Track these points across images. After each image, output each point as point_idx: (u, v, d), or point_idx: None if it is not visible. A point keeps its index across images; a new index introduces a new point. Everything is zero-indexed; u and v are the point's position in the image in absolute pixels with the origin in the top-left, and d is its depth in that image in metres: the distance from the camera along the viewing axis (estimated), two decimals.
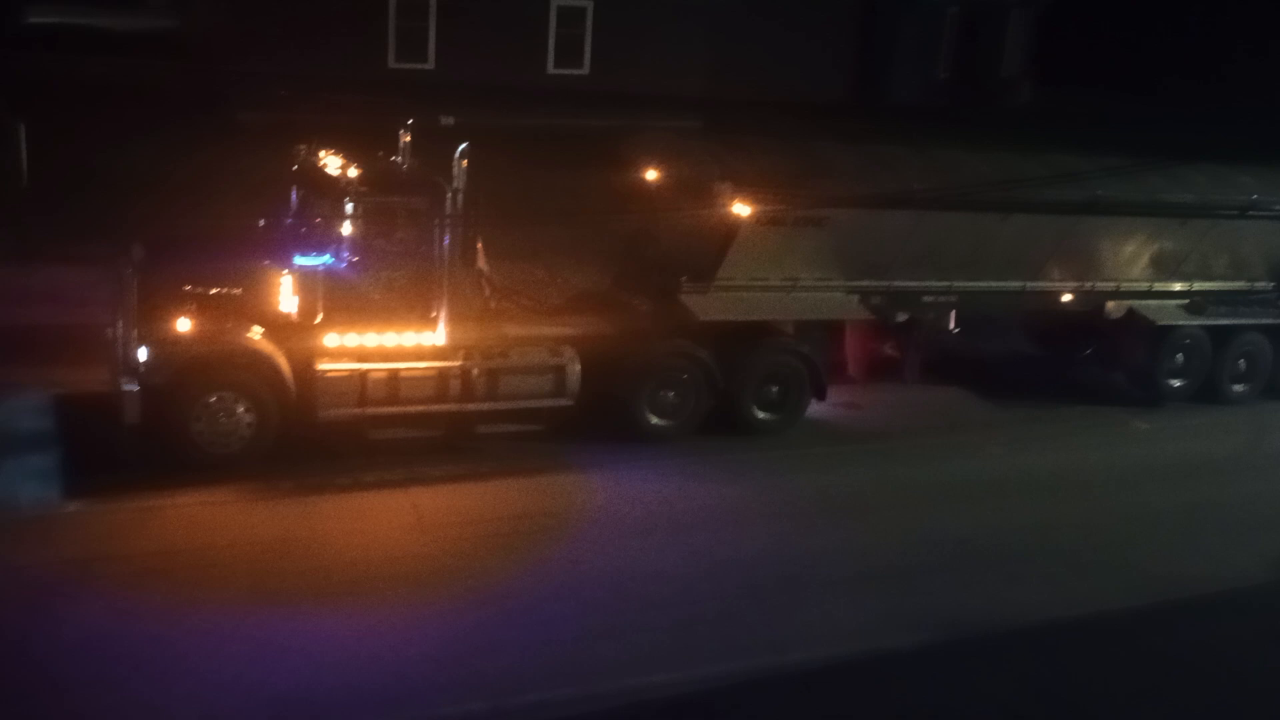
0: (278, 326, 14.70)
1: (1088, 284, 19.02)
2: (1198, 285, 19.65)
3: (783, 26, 34.48)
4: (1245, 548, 14.59)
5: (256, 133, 23.33)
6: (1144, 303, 19.34)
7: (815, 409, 17.47)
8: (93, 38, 32.03)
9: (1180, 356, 19.76)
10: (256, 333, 14.61)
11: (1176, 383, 19.86)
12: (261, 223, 15.57)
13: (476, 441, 15.51)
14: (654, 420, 16.40)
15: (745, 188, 16.02)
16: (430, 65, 31.38)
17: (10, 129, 21.29)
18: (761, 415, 16.97)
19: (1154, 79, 42.32)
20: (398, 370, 14.93)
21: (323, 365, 14.69)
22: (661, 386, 16.37)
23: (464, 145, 15.08)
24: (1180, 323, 19.51)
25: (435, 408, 15.20)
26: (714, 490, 15.12)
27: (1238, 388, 20.15)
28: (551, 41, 32.34)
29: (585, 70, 32.55)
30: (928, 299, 18.07)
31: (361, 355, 14.87)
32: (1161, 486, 16.41)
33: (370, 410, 14.89)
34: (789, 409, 17.12)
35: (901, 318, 18.13)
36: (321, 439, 14.94)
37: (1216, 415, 19.63)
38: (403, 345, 15.05)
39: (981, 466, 16.84)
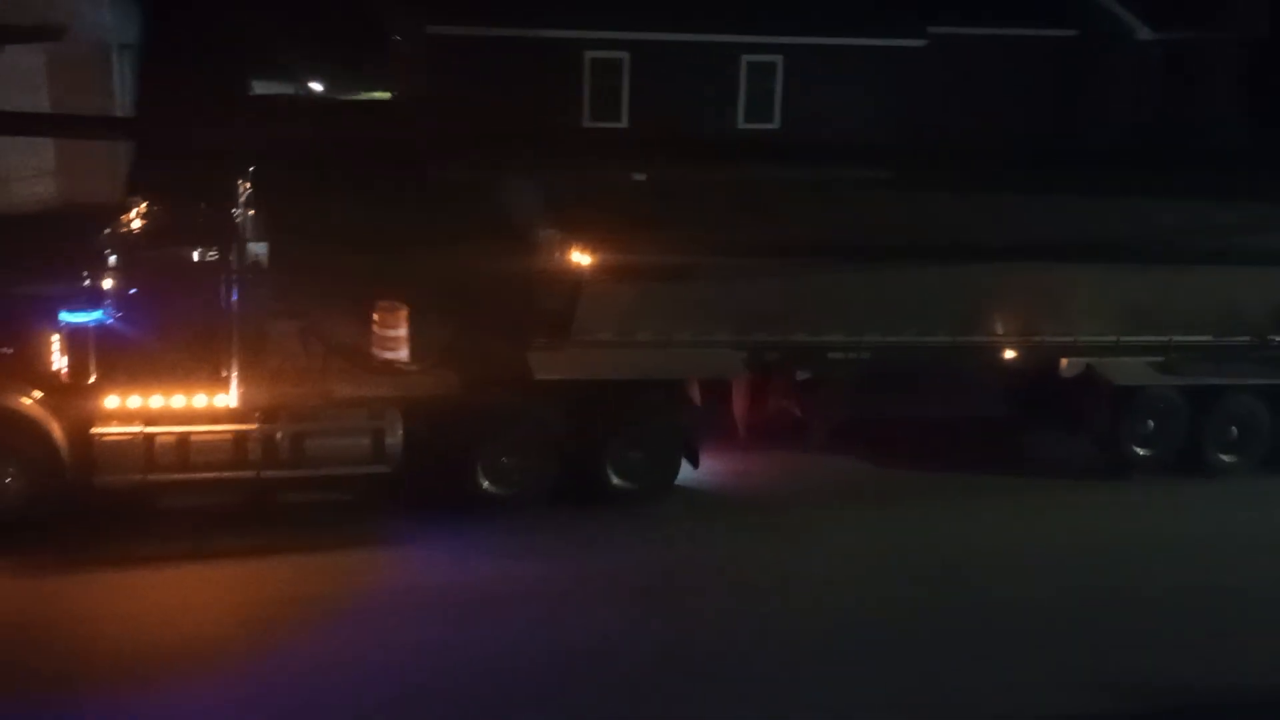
0: (54, 388, 13.81)
1: (1035, 338, 16.57)
2: (1176, 338, 16.87)
3: (977, 71, 32.71)
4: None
5: (453, 190, 22.99)
6: (1105, 359, 16.71)
7: (699, 476, 15.77)
8: (306, 105, 32.57)
9: (1151, 422, 17.08)
10: (30, 394, 13.74)
11: (1145, 451, 17.16)
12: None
13: (281, 511, 14.38)
14: (490, 488, 14.95)
15: (580, 236, 14.52)
16: (623, 123, 31.58)
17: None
18: (619, 483, 15.30)
19: None
20: (184, 434, 13.85)
21: (98, 429, 13.69)
22: (499, 451, 14.91)
23: (246, 187, 13.88)
24: (1148, 383, 16.85)
25: (232, 474, 14.04)
26: (514, 570, 13.61)
27: (1227, 458, 17.32)
28: (742, 96, 32.12)
29: (775, 124, 32.21)
30: (834, 355, 16.03)
31: (147, 417, 13.84)
32: (1090, 567, 14.30)
33: (155, 477, 13.86)
34: (654, 477, 15.42)
35: (803, 376, 16.13)
36: (110, 507, 13.99)
37: (1193, 488, 16.94)
38: (193, 407, 13.96)
39: (868, 544, 14.80)
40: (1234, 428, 17.24)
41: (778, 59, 32.01)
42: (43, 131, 25.10)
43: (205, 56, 27.64)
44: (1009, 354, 16.56)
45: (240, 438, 13.95)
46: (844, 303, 15.71)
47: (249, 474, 14.06)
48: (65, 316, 13.79)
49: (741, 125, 32.11)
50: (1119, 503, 16.41)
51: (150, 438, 13.74)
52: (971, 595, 13.51)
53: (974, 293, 16.19)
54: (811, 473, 16.60)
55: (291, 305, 14.68)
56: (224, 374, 13.96)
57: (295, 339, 14.90)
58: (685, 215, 15.41)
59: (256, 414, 14.07)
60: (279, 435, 14.05)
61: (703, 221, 15.32)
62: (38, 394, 13.76)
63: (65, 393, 13.77)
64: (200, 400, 13.96)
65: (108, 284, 13.84)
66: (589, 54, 31.30)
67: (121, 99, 28.12)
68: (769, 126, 32.12)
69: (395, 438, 14.35)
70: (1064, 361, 16.71)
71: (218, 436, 13.91)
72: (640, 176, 23.29)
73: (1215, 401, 17.06)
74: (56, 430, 13.69)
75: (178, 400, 13.92)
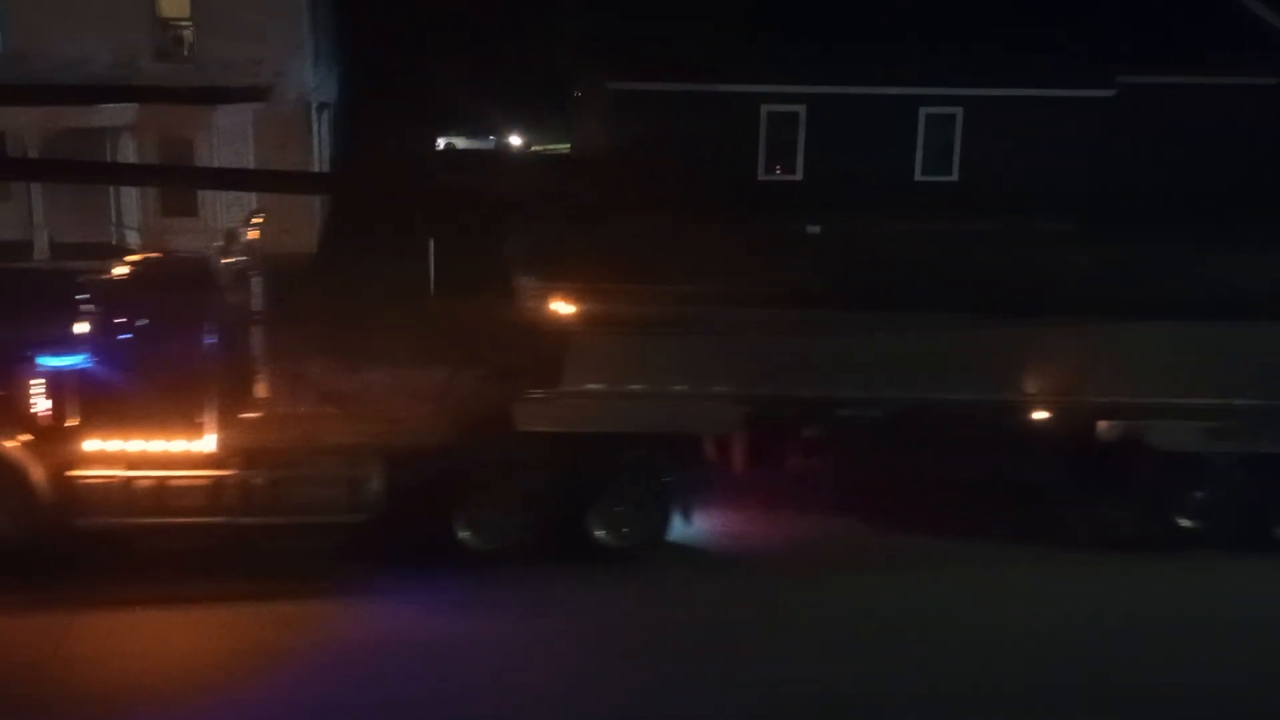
0: (36, 429, 14.31)
1: (1070, 398, 15.40)
2: (1236, 400, 15.36)
3: (1171, 119, 31.53)
4: None
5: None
6: (1150, 422, 15.43)
7: (693, 534, 15.51)
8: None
9: (1202, 492, 15.71)
10: (10, 436, 14.23)
11: (1195, 524, 15.80)
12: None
13: (258, 558, 14.55)
14: (470, 540, 14.94)
15: (566, 285, 14.55)
16: (798, 176, 31.69)
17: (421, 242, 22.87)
18: (605, 539, 15.10)
19: None
20: (162, 478, 14.20)
21: (76, 471, 14.17)
22: (479, 503, 14.91)
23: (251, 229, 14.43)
24: (1200, 449, 15.50)
25: (208, 519, 14.35)
26: (480, 626, 13.48)
27: None
28: (920, 148, 31.76)
29: (954, 176, 31.68)
30: (844, 412, 15.38)
31: (127, 461, 14.26)
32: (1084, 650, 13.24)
33: (133, 520, 14.26)
34: (641, 533, 15.16)
35: (811, 433, 15.51)
36: (89, 549, 14.35)
37: (1249, 565, 15.38)
38: (171, 452, 14.29)
39: (847, 616, 14.03)
40: None
41: (957, 110, 31.41)
42: (248, 186, 27.18)
43: (398, 114, 29.40)
44: (1039, 414, 15.48)
45: (217, 483, 14.17)
46: (854, 356, 15.05)
47: (226, 519, 14.26)
48: (46, 360, 14.22)
49: (919, 178, 31.54)
50: (1153, 578, 15.09)
51: (125, 481, 14.05)
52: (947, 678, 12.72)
53: (1003, 347, 15.16)
54: (812, 535, 15.99)
55: (286, 350, 14.72)
56: (204, 419, 14.19)
57: (285, 384, 14.95)
58: (679, 265, 15.05)
59: (235, 459, 14.26)
60: (256, 481, 14.21)
61: (695, 272, 14.93)
62: (18, 436, 14.11)
63: (51, 435, 14.14)
64: (179, 445, 14.19)
65: (89, 328, 14.19)
66: (765, 107, 31.47)
67: (319, 155, 30.29)
68: (947, 179, 31.53)
69: (374, 486, 14.39)
70: (1102, 424, 15.51)
71: (195, 481, 14.15)
72: (815, 229, 23.39)
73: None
74: (34, 471, 14.05)
75: (157, 445, 14.18)
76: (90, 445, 14.37)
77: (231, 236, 15.13)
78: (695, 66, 30.35)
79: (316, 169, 29.93)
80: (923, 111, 31.44)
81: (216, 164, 28.76)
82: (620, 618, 13.79)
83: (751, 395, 15.13)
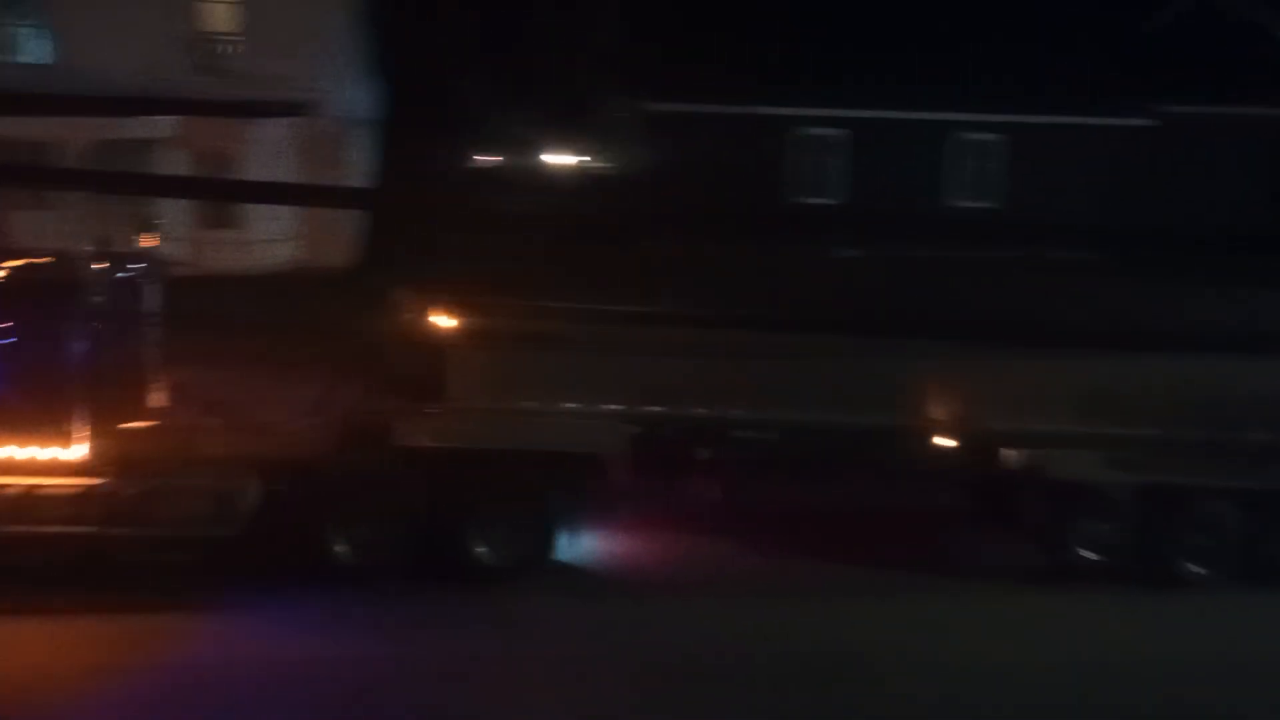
0: None
1: (973, 424, 14.86)
2: (1143, 430, 14.83)
3: (1198, 148, 31.56)
4: None
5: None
6: (1050, 451, 14.96)
7: (581, 556, 15.02)
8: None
9: (1102, 524, 15.24)
10: None
11: (1095, 556, 15.25)
12: None
13: (125, 570, 13.75)
14: (345, 556, 14.26)
15: (447, 298, 14.34)
16: (834, 199, 31.75)
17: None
18: (484, 559, 14.47)
19: None
20: (28, 486, 13.64)
21: None
22: (354, 519, 14.31)
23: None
24: (1100, 480, 15.11)
25: (72, 530, 13.66)
26: (334, 647, 12.71)
27: (1197, 569, 15.24)
28: (959, 174, 31.90)
29: (995, 202, 31.66)
30: (738, 434, 14.97)
31: None
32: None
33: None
34: (521, 554, 14.58)
35: (704, 454, 15.01)
36: None
37: (1148, 601, 14.76)
38: (35, 459, 13.71)
39: (742, 641, 13.26)
40: (1205, 535, 15.19)
41: (997, 137, 31.33)
42: (286, 200, 27.36)
43: (435, 129, 29.53)
44: (942, 440, 14.90)
45: (82, 493, 13.63)
46: (746, 376, 14.63)
47: (91, 530, 13.63)
48: None
49: (955, 202, 31.56)
50: (1052, 614, 14.39)
51: None
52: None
53: (900, 372, 14.52)
54: (697, 561, 15.27)
55: (175, 356, 14.42)
56: (75, 426, 13.70)
57: (169, 393, 14.64)
58: (566, 279, 14.59)
59: (105, 469, 13.75)
60: (122, 491, 13.68)
61: (583, 288, 14.53)
62: None
63: None
64: (44, 453, 13.66)
65: None
66: (802, 130, 31.55)
67: (357, 169, 30.46)
68: (989, 205, 31.46)
69: (244, 499, 13.87)
70: (1004, 452, 14.96)
71: (59, 491, 13.61)
72: (851, 254, 23.21)
73: (1185, 505, 15.17)
74: None
75: (19, 452, 13.64)
76: None
77: (106, 241, 14.69)
78: (732, 88, 30.45)
79: (353, 184, 30.08)
80: (962, 137, 31.43)
81: (255, 177, 28.98)
82: (480, 640, 13.12)
83: (640, 414, 14.72)
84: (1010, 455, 15.01)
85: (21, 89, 27.67)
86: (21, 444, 13.69)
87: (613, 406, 14.70)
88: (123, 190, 26.47)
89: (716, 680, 12.45)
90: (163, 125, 28.71)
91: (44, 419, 13.67)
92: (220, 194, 26.72)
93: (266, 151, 29.34)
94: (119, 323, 14.20)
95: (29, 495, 13.63)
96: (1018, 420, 14.89)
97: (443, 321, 14.51)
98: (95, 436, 13.82)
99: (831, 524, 16.17)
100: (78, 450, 13.78)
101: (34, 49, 29.21)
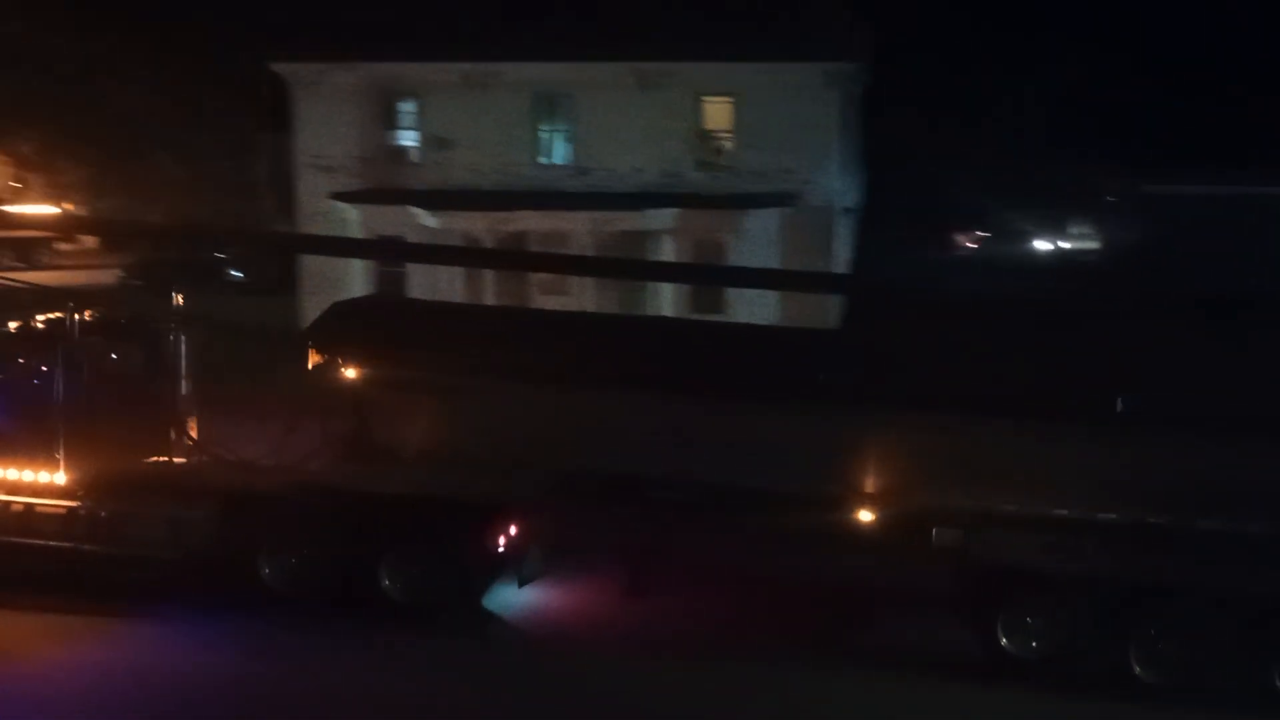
0: None
1: (901, 498, 13.59)
2: (1073, 513, 13.19)
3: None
4: None
5: None
6: (984, 532, 13.38)
7: (493, 601, 15.14)
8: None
9: (1036, 618, 13.30)
10: None
11: (1028, 650, 13.37)
12: None
13: (96, 584, 15.29)
14: (274, 582, 15.14)
15: (356, 351, 15.01)
16: None
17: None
18: (399, 598, 14.88)
19: None
20: (17, 504, 15.48)
21: None
22: (283, 550, 15.13)
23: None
24: (1035, 566, 13.22)
25: (55, 544, 15.43)
26: (221, 669, 13.60)
27: (1145, 674, 13.01)
28: None
29: None
30: (650, 492, 14.35)
31: None
32: None
33: None
34: (435, 596, 14.82)
35: (617, 510, 14.67)
36: None
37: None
38: (23, 480, 15.53)
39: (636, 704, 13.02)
40: (1163, 635, 12.98)
41: None
42: (768, 285, 28.91)
43: (915, 217, 30.23)
44: (868, 515, 13.64)
45: (66, 514, 15.39)
46: (665, 435, 14.05)
47: (66, 546, 15.34)
48: None
49: None
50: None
51: None
52: None
53: (827, 437, 13.67)
54: (600, 618, 14.94)
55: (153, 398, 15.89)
56: (56, 454, 15.38)
57: (153, 423, 16.05)
58: (466, 336, 15.23)
59: (80, 492, 15.40)
60: (86, 514, 15.35)
61: (482, 343, 14.97)
62: None
63: None
64: (34, 476, 15.46)
65: None
66: None
67: (838, 256, 31.54)
68: None
69: (191, 526, 15.10)
70: (937, 531, 13.53)
71: (42, 510, 15.45)
72: None
73: (1139, 599, 13.07)
74: None
75: (11, 474, 15.50)
76: None
77: (85, 300, 16.59)
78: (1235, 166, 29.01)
79: (836, 269, 31.23)
80: None
81: (744, 264, 30.75)
82: (368, 674, 13.62)
83: (553, 468, 14.60)
84: (940, 531, 13.68)
85: (547, 187, 31.30)
86: (15, 467, 15.60)
87: (524, 459, 14.80)
88: (625, 276, 29.18)
89: None
90: (664, 218, 31.18)
91: (37, 447, 15.46)
92: (708, 279, 28.81)
93: (755, 240, 31.08)
94: (107, 368, 15.94)
95: (22, 512, 15.53)
96: (949, 494, 13.65)
97: (364, 371, 15.17)
98: (75, 465, 15.48)
99: (746, 589, 15.46)
100: (60, 474, 15.51)
101: (558, 151, 32.75)
